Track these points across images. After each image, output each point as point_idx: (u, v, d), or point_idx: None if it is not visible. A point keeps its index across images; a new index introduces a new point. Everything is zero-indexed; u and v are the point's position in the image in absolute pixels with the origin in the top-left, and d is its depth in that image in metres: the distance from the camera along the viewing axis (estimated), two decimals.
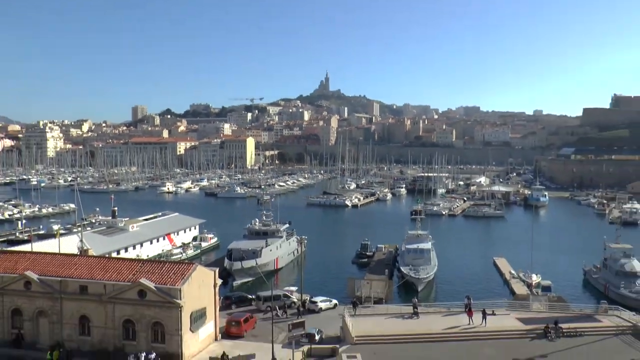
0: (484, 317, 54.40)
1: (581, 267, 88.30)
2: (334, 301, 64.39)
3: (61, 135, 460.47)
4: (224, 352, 43.84)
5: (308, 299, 63.65)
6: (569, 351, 48.84)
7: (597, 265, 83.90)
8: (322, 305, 62.47)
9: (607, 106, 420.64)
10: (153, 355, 44.29)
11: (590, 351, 48.92)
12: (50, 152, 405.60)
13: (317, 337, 50.97)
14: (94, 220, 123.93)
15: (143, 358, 44.19)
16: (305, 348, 48.30)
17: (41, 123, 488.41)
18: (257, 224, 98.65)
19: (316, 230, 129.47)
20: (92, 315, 47.54)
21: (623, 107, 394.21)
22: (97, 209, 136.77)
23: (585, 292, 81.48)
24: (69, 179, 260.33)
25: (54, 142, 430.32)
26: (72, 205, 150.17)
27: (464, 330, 53.31)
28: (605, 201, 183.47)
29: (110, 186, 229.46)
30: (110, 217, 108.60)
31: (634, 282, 73.08)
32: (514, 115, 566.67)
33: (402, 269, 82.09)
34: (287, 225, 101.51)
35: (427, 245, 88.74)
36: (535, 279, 78.16)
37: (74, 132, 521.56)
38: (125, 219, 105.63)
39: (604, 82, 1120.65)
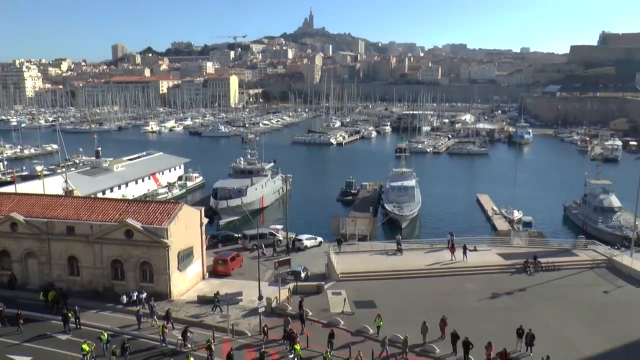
0: (465, 252, 55.72)
1: (562, 204, 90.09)
2: (319, 239, 65.39)
3: (39, 74, 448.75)
4: (218, 292, 44.47)
5: (293, 237, 64.55)
6: (546, 284, 50.48)
7: (577, 201, 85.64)
8: (307, 243, 63.45)
9: (595, 44, 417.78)
10: (144, 295, 45.08)
11: (566, 284, 50.60)
12: (29, 92, 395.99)
13: (302, 275, 51.98)
14: (77, 161, 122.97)
15: (135, 297, 45.00)
16: (291, 285, 49.33)
17: (17, 62, 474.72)
18: (242, 162, 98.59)
19: (301, 168, 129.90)
20: (80, 256, 47.96)
21: (611, 44, 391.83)
22: (81, 149, 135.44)
23: (564, 227, 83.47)
24: (50, 119, 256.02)
25: (32, 82, 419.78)
26: (55, 146, 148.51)
27: (446, 266, 54.67)
28: (587, 138, 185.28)
29: (93, 126, 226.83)
30: (94, 158, 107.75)
31: (610, 217, 74.94)
32: (501, 53, 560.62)
33: (386, 206, 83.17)
34: (272, 163, 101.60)
35: (411, 182, 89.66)
36: (516, 215, 79.79)
37: (52, 71, 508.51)
38: (110, 159, 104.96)
39: (593, 19, 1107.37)
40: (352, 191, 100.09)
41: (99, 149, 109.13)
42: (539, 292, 48.77)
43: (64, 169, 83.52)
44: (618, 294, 48.45)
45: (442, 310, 41.58)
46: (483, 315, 43.38)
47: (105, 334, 37.73)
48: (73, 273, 48.60)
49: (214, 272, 53.61)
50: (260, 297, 43.08)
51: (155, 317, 42.05)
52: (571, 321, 42.57)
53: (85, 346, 35.82)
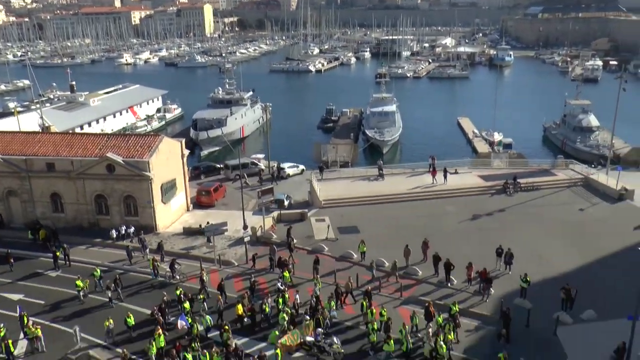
0: (445, 176, 56.42)
1: (541, 125, 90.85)
2: (301, 167, 65.61)
3: (1, 7, 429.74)
4: (208, 222, 44.78)
5: (275, 165, 64.64)
6: (525, 204, 51.65)
7: (557, 122, 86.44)
8: (290, 171, 63.66)
9: None
10: (132, 229, 45.31)
11: (544, 203, 51.84)
12: None
13: (286, 203, 52.44)
14: (52, 96, 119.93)
15: (123, 231, 45.23)
16: (275, 214, 49.88)
17: None
18: (220, 92, 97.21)
19: (280, 96, 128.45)
20: (63, 192, 47.70)
21: None
22: (54, 84, 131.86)
23: (544, 148, 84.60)
24: (19, 54, 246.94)
25: None
26: (26, 82, 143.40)
27: (428, 190, 55.44)
28: (568, 59, 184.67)
29: (65, 60, 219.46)
30: (69, 92, 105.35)
31: (589, 137, 75.98)
32: None
33: (367, 132, 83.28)
34: (250, 92, 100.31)
35: (392, 107, 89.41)
36: (497, 137, 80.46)
37: (15, 3, 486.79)
38: (85, 93, 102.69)
39: None
40: (332, 118, 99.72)
41: (73, 83, 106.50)
42: (518, 212, 49.95)
43: (38, 105, 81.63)
44: (593, 210, 49.84)
45: (423, 233, 42.54)
46: (464, 237, 44.49)
47: (98, 270, 38.02)
48: (57, 210, 48.48)
49: (198, 203, 53.84)
50: (245, 227, 43.64)
51: (147, 250, 42.37)
52: (548, 239, 43.89)
53: (79, 282, 36.12)
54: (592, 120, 78.23)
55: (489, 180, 57.39)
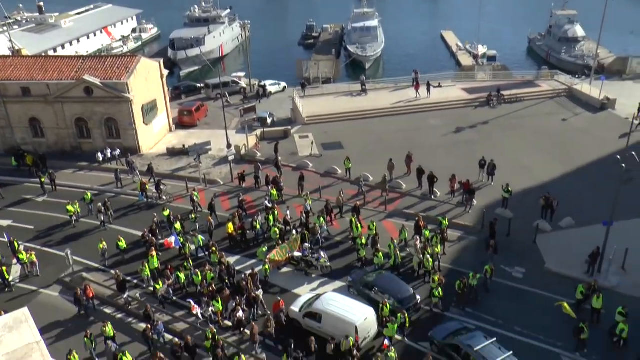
0: (429, 89, 56.05)
1: (526, 36, 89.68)
2: (283, 84, 64.77)
3: None
4: (195, 143, 44.37)
5: (257, 83, 63.70)
6: (508, 116, 51.82)
7: (542, 33, 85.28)
8: (271, 88, 62.83)
9: None
10: (118, 152, 44.94)
11: (527, 114, 52.03)
12: None
13: (269, 121, 52.14)
14: (19, 18, 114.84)
15: (109, 154, 44.86)
16: (259, 132, 49.65)
17: None
18: (196, 10, 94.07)
19: (259, 13, 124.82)
20: (41, 117, 46.73)
21: None
22: (20, 5, 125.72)
23: (528, 59, 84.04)
24: None
25: None
26: None
27: (411, 104, 55.22)
28: None
29: None
30: (38, 14, 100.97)
31: (574, 47, 75.35)
32: None
33: (349, 47, 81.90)
34: (228, 10, 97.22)
35: (374, 22, 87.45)
36: (481, 49, 79.57)
37: None
38: (55, 14, 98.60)
39: None
40: (313, 34, 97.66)
41: (41, 3, 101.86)
42: (501, 123, 50.19)
43: (5, 28, 78.43)
44: (575, 121, 50.24)
45: (407, 147, 42.68)
46: (447, 150, 44.85)
47: (89, 194, 37.64)
48: (37, 135, 47.69)
49: (180, 123, 53.34)
50: (228, 146, 43.46)
51: (136, 172, 42.11)
52: (530, 150, 44.41)
53: (69, 207, 35.81)
54: (578, 31, 77.26)
55: (472, 93, 57.17)
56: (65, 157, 46.43)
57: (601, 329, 24.89)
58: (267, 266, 29.34)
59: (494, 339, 23.47)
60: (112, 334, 25.19)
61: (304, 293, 28.24)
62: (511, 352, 22.60)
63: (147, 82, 47.38)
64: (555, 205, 33.76)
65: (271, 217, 33.64)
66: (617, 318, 24.24)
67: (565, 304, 24.74)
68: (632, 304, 25.46)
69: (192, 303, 26.80)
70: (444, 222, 32.18)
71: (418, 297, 26.92)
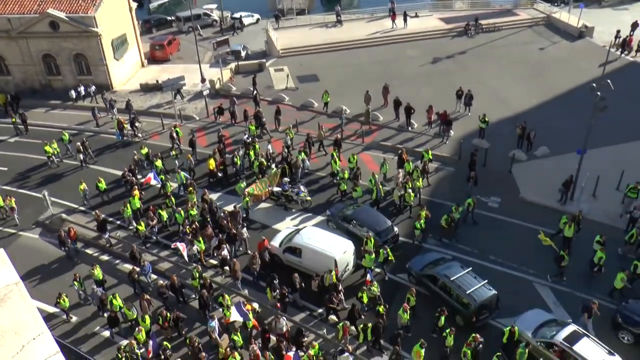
0: (405, 19, 55.02)
1: None
2: (256, 16, 62.97)
3: None
4: (168, 78, 43.42)
5: (230, 15, 61.81)
6: (486, 45, 51.37)
7: None
8: (245, 20, 61.10)
9: None
10: (93, 88, 43.72)
11: (505, 44, 51.62)
12: None
13: (242, 54, 51.02)
14: None
15: (83, 91, 43.65)
16: (233, 65, 48.61)
17: None
18: None
19: None
20: (5, 54, 44.96)
21: None
22: None
23: None
24: None
25: None
26: None
27: (387, 34, 54.28)
28: None
29: None
30: None
31: None
32: None
33: None
34: None
35: None
36: None
37: None
38: None
39: None
40: None
41: None
42: (479, 53, 49.83)
43: None
44: (552, 49, 50.03)
45: (384, 79, 42.35)
46: (424, 81, 44.58)
47: (67, 134, 36.55)
48: (2, 73, 46.05)
49: (152, 58, 51.96)
50: (203, 80, 42.58)
51: (114, 110, 41.04)
52: (507, 79, 44.37)
53: (47, 148, 34.79)
54: None
55: (450, 22, 56.30)
56: (36, 95, 45.16)
57: (574, 255, 25.64)
58: (247, 199, 29.39)
59: (470, 268, 24.16)
60: (100, 277, 25.18)
61: (284, 228, 28.51)
62: (486, 281, 23.33)
63: (115, 15, 45.68)
64: (532, 136, 34.10)
65: (252, 152, 33.46)
66: (594, 246, 24.92)
67: (544, 236, 25.33)
68: (603, 230, 26.27)
69: (180, 245, 26.28)
70: (427, 155, 32.28)
71: (396, 229, 27.40)
